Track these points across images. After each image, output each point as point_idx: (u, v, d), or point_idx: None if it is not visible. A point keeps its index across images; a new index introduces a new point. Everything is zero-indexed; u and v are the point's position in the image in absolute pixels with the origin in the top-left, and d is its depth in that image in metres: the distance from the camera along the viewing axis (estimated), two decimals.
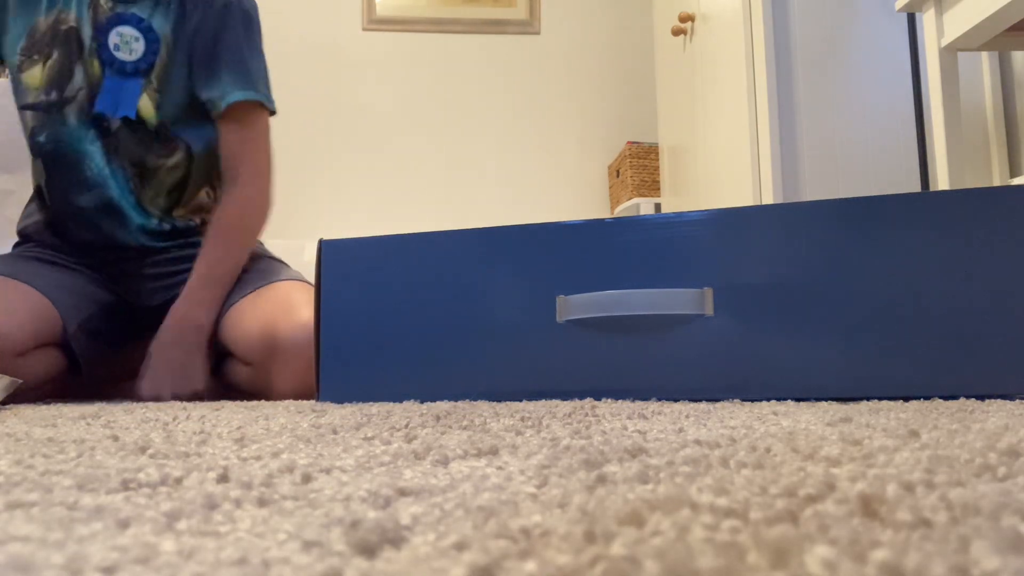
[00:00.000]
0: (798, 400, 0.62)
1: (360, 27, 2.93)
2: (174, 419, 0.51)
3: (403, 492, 0.23)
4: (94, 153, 1.03)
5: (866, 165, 1.96)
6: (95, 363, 1.00)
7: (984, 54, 1.83)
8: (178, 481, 0.25)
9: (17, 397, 0.86)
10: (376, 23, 2.94)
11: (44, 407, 0.72)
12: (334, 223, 2.85)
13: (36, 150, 1.04)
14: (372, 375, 0.73)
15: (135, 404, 0.77)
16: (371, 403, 0.70)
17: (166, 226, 1.07)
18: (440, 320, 0.72)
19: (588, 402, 0.61)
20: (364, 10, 2.93)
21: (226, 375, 1.00)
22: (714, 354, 0.64)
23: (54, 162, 1.04)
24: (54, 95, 1.03)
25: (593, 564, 0.14)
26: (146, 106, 1.03)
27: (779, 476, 0.23)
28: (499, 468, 0.27)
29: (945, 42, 1.35)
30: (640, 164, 2.74)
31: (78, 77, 1.03)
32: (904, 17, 1.93)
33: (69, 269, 1.02)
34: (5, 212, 1.46)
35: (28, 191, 1.46)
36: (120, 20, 1.03)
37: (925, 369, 0.60)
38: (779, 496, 0.20)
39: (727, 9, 2.18)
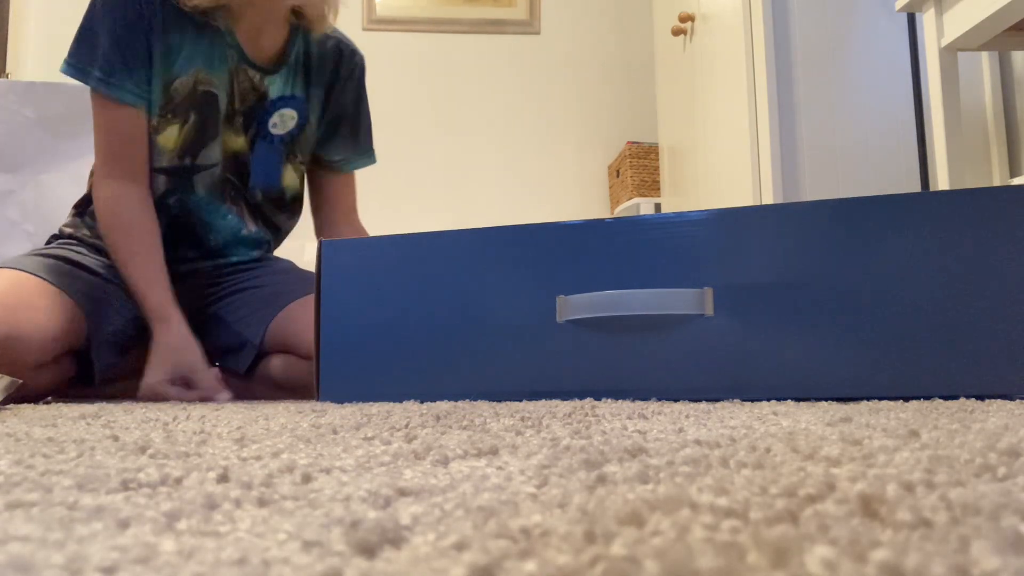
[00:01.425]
0: (798, 400, 0.62)
1: (360, 27, 2.93)
2: (174, 419, 0.51)
3: (403, 492, 0.23)
4: (222, 227, 1.06)
5: (866, 165, 1.96)
6: (110, 374, 1.00)
7: (984, 54, 1.83)
8: (178, 481, 0.25)
9: (19, 400, 0.86)
10: (376, 23, 2.94)
11: (44, 407, 0.72)
12: None
13: (162, 210, 1.02)
14: (372, 375, 0.73)
15: (135, 404, 0.77)
16: (371, 403, 0.70)
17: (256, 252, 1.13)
18: (440, 320, 0.72)
19: (588, 402, 0.61)
20: (364, 10, 2.93)
21: (270, 374, 1.01)
22: (714, 354, 0.64)
23: (179, 227, 1.04)
24: (187, 160, 1.01)
25: (593, 564, 0.14)
26: (291, 178, 1.10)
27: (779, 476, 0.23)
28: (499, 468, 0.27)
29: (945, 42, 1.35)
30: (640, 164, 2.74)
31: (215, 149, 1.02)
32: (904, 17, 1.93)
33: (103, 278, 1.01)
34: (5, 212, 1.46)
35: (28, 191, 1.46)
36: (284, 103, 1.06)
37: (925, 369, 0.60)
38: (779, 496, 0.20)
39: (727, 9, 2.18)
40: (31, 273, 0.94)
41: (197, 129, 1.01)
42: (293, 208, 1.14)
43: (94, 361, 0.95)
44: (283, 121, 1.07)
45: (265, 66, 1.04)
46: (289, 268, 1.14)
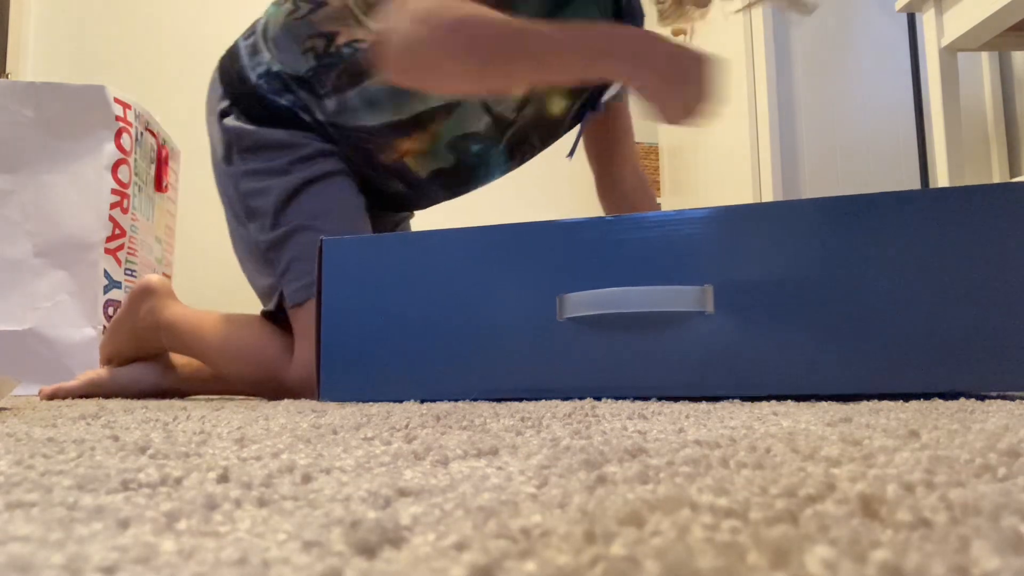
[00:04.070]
0: (798, 397, 0.62)
1: None
2: (174, 419, 0.51)
3: (403, 492, 0.23)
4: (485, 182, 1.01)
5: (866, 165, 1.96)
6: None
7: (984, 54, 1.83)
8: (178, 481, 0.25)
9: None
10: None
11: (44, 407, 0.72)
12: None
13: (456, 150, 0.94)
14: (372, 375, 0.73)
15: (135, 404, 0.77)
16: (371, 403, 0.70)
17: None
18: (441, 319, 0.72)
19: (588, 402, 0.61)
20: None
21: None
22: (715, 351, 0.64)
23: (455, 166, 0.97)
24: (512, 114, 0.93)
25: (593, 564, 0.14)
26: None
27: (779, 476, 0.23)
28: (499, 468, 0.27)
29: (945, 42, 1.35)
30: (640, 164, 2.74)
31: (532, 105, 0.94)
32: (904, 17, 1.93)
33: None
34: (5, 212, 1.46)
35: (28, 191, 1.46)
36: None
37: (925, 366, 0.60)
38: (779, 496, 0.20)
39: None
40: None
41: (570, 92, 0.91)
42: None
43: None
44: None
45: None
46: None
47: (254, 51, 0.97)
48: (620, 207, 1.16)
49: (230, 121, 0.96)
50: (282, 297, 0.92)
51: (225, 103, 0.98)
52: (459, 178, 1.00)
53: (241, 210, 0.96)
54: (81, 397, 0.98)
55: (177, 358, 1.06)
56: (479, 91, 0.77)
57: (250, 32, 1.00)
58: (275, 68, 0.95)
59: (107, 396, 1.00)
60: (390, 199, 1.03)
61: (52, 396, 0.96)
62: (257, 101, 0.95)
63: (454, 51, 0.72)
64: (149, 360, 1.03)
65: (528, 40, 0.71)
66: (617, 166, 1.13)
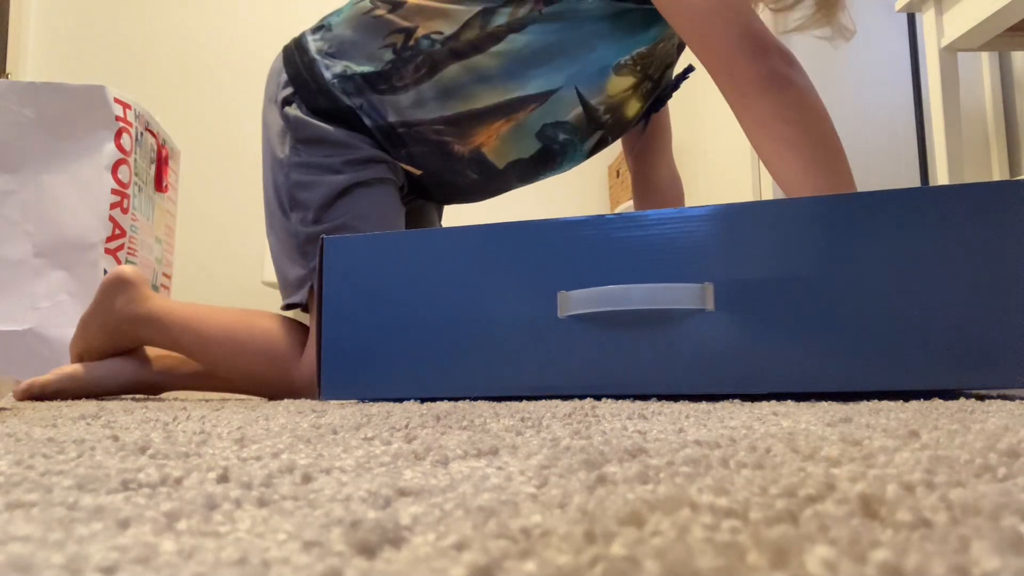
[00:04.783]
0: (799, 395, 0.62)
1: None
2: (174, 419, 0.52)
3: (403, 492, 0.23)
4: (562, 167, 1.03)
5: (866, 165, 1.96)
6: None
7: (984, 54, 1.83)
8: (178, 481, 0.25)
9: None
10: None
11: (44, 407, 0.72)
12: None
13: (543, 136, 0.97)
14: (373, 374, 0.73)
15: (135, 404, 0.77)
16: (371, 403, 0.70)
17: None
18: (441, 318, 0.72)
19: (588, 402, 0.61)
20: None
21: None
22: (715, 349, 0.64)
23: (536, 155, 0.99)
24: (607, 116, 0.98)
25: (593, 564, 0.14)
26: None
27: (779, 476, 0.23)
28: (499, 468, 0.27)
29: (945, 42, 1.36)
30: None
31: (631, 107, 1.00)
32: (904, 17, 1.93)
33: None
34: (5, 212, 1.46)
35: (28, 191, 1.46)
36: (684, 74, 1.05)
37: (925, 365, 0.60)
38: (779, 496, 0.20)
39: None
40: None
41: (643, 94, 0.96)
42: None
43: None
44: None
45: None
46: None
47: (328, 49, 0.99)
48: (654, 203, 1.18)
49: (292, 110, 0.98)
50: (312, 291, 0.94)
51: (288, 91, 0.99)
52: (536, 168, 1.02)
53: (286, 199, 0.97)
54: (56, 392, 0.94)
55: (151, 351, 1.03)
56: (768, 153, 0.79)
57: (319, 26, 1.02)
58: (350, 72, 0.96)
59: (85, 390, 0.96)
60: (457, 190, 1.04)
61: (27, 391, 0.93)
62: (324, 95, 0.96)
63: (794, 134, 0.76)
64: (125, 355, 1.01)
65: (841, 168, 0.76)
66: (654, 163, 1.17)
